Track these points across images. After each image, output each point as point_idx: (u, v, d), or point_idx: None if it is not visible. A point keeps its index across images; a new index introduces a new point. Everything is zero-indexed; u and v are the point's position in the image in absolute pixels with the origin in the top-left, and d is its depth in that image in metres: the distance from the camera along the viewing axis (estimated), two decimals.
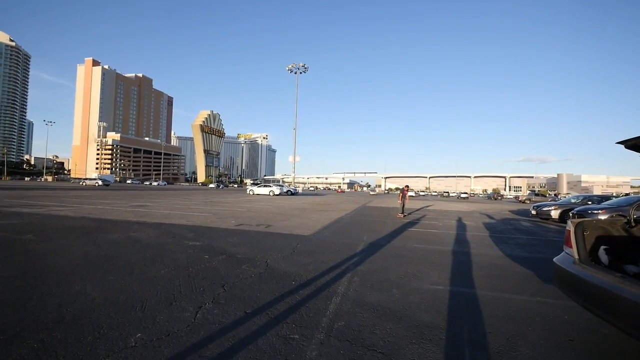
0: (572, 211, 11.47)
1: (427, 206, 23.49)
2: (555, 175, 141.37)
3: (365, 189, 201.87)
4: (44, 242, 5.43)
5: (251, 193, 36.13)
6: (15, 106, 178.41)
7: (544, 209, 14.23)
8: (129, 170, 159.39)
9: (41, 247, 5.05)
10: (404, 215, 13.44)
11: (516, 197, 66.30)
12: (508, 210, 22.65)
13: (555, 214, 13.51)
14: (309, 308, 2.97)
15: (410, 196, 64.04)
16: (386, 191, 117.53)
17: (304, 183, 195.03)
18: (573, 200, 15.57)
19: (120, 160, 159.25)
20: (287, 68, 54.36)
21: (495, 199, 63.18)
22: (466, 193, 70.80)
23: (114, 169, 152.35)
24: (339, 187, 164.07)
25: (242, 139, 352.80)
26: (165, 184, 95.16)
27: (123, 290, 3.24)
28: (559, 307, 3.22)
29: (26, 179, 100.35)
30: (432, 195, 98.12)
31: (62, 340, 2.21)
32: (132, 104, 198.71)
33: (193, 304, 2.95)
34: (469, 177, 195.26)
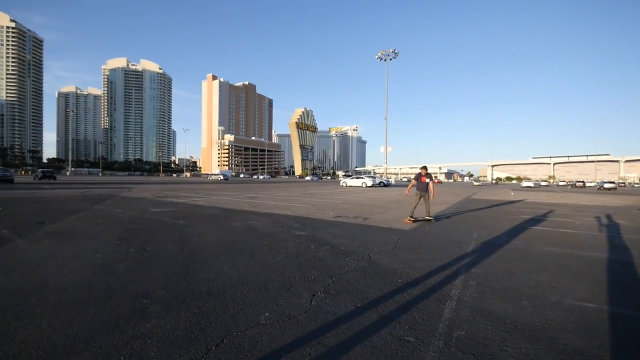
0: None
1: (553, 200, 19.22)
2: None
3: (467, 179, 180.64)
4: (191, 227, 6.87)
5: (344, 185, 37.05)
6: (165, 119, 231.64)
7: None
8: (241, 166, 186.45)
9: (190, 231, 6.39)
10: (413, 220, 8.22)
11: None
12: None
13: None
14: (421, 310, 2.81)
15: (527, 187, 53.82)
16: (494, 181, 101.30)
17: (396, 174, 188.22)
18: None
19: (234, 157, 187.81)
20: (376, 56, 52.71)
21: None
22: (612, 182, 53.92)
23: (230, 165, 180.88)
24: (436, 177, 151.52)
25: (333, 133, 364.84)
26: (269, 177, 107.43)
27: (250, 272, 3.78)
28: None
29: (173, 175, 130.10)
30: (558, 185, 79.79)
31: (213, 309, 2.72)
32: (241, 108, 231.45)
33: (307, 291, 3.20)
34: (617, 161, 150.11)
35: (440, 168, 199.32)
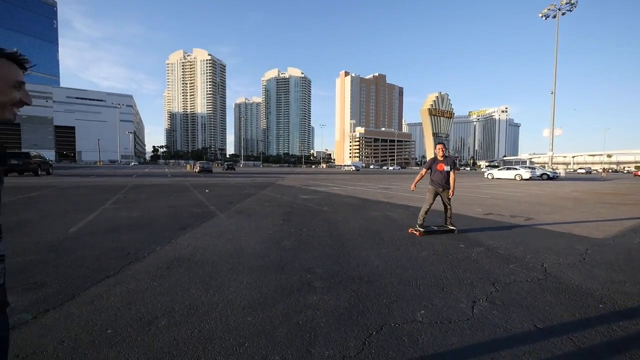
0: None
1: None
2: None
3: None
4: (334, 213, 7.53)
5: (490, 177, 31.64)
6: (305, 117, 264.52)
7: None
8: (371, 157, 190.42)
9: (334, 217, 7.01)
10: (423, 231, 5.28)
11: None
12: None
13: None
14: None
15: None
16: None
17: (567, 164, 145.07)
18: None
19: (364, 149, 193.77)
20: (540, 14, 41.60)
21: None
22: None
23: (360, 156, 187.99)
24: (638, 168, 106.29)
25: (473, 117, 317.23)
26: (399, 168, 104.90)
27: (397, 264, 3.76)
28: None
29: (312, 166, 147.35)
30: None
31: (367, 295, 2.85)
32: (371, 100, 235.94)
33: (465, 295, 2.87)
34: None
35: None
